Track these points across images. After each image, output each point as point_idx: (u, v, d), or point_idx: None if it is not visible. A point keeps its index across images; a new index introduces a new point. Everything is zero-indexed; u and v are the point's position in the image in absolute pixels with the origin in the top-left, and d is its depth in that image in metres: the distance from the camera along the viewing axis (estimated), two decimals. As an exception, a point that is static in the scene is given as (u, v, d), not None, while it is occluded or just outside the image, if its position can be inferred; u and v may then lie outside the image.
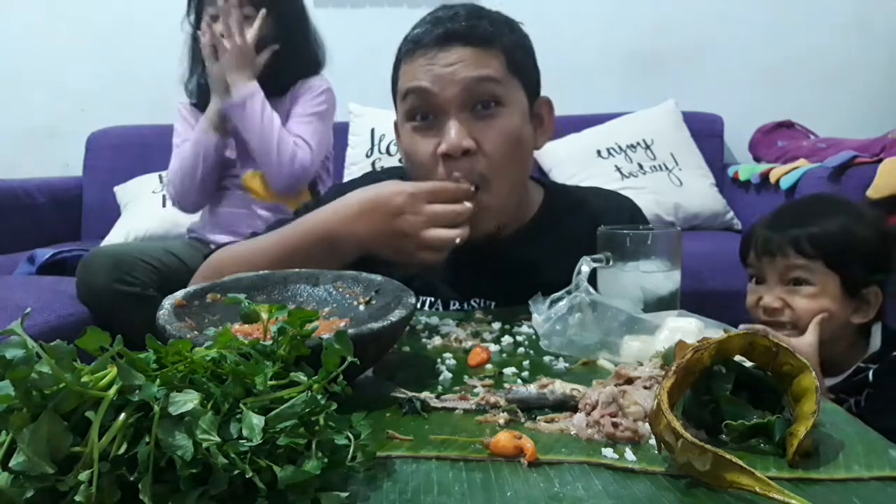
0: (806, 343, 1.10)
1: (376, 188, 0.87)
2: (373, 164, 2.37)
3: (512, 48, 0.92)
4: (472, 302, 1.00)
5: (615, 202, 1.10)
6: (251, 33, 1.61)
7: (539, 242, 1.01)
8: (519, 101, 0.93)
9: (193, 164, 1.67)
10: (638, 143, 2.39)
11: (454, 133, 0.88)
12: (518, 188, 0.98)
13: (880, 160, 1.76)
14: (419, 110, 0.91)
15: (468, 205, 0.85)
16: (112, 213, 2.32)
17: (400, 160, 2.03)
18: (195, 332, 0.61)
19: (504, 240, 1.00)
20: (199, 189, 1.70)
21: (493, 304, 1.00)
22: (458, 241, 0.83)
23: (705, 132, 2.49)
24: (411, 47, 0.92)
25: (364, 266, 0.82)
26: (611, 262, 0.84)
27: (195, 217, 1.82)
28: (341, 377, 0.48)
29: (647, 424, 0.50)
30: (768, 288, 1.19)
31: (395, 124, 1.01)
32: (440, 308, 1.00)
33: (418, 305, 0.99)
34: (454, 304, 1.01)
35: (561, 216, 1.04)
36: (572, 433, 0.52)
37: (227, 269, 0.83)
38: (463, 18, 0.90)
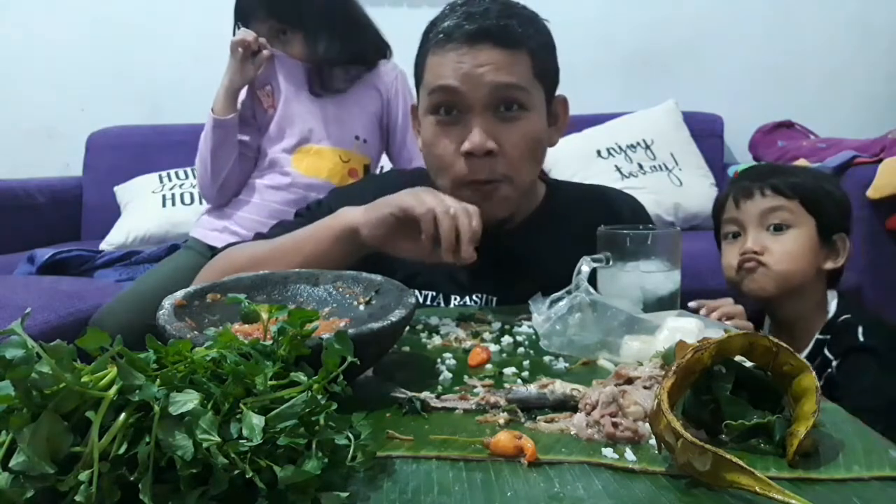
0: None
1: None
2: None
3: (538, 50, 0.94)
4: (475, 297, 1.01)
5: (618, 200, 1.12)
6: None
7: (540, 238, 1.02)
8: (540, 103, 0.96)
9: (203, 144, 1.67)
10: (638, 143, 2.39)
11: (478, 134, 0.90)
12: (533, 183, 1.01)
13: (880, 160, 1.76)
14: (444, 106, 0.93)
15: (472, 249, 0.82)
16: (112, 213, 2.32)
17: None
18: (195, 332, 0.61)
19: (506, 234, 1.00)
20: (211, 174, 1.67)
21: (494, 299, 1.00)
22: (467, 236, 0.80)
23: (705, 132, 2.49)
24: (441, 40, 0.92)
25: (366, 266, 0.82)
26: (611, 262, 0.84)
27: (203, 217, 1.80)
28: (341, 377, 0.48)
29: (647, 424, 0.50)
30: (747, 237, 1.22)
31: (413, 108, 1.03)
32: (441, 303, 1.00)
33: (419, 299, 0.99)
34: (455, 299, 1.01)
35: (563, 212, 1.05)
36: (572, 433, 0.52)
37: (242, 270, 0.81)
38: (494, 15, 0.91)
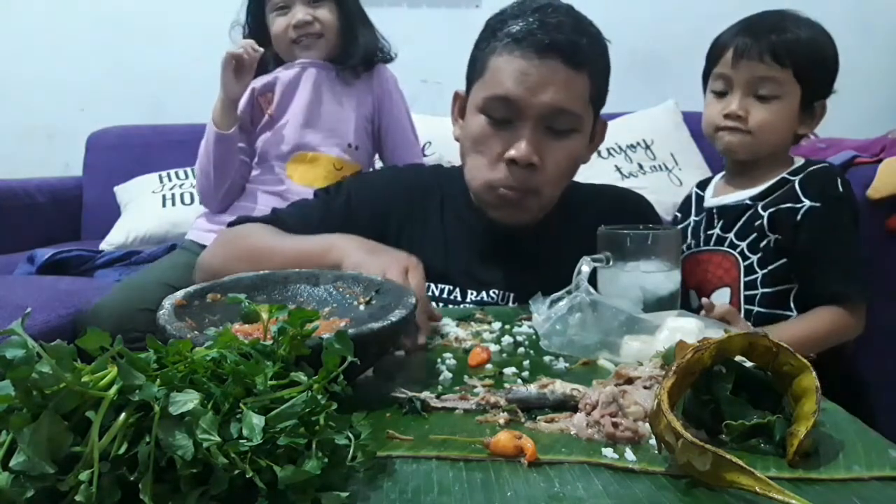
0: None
1: None
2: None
3: (599, 74, 0.96)
4: (492, 293, 1.01)
5: (629, 199, 1.14)
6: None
7: (556, 236, 1.03)
8: (588, 126, 0.99)
9: (204, 156, 1.66)
10: (638, 143, 2.39)
11: (525, 146, 0.92)
12: (557, 196, 1.03)
13: (880, 160, 1.76)
14: (499, 110, 0.94)
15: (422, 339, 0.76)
16: (112, 213, 2.31)
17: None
18: (195, 332, 0.61)
19: (523, 232, 1.02)
20: (214, 186, 1.67)
21: (511, 295, 1.01)
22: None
23: (705, 132, 2.49)
24: (509, 44, 0.92)
25: None
26: (611, 262, 0.84)
27: (198, 220, 1.80)
28: (341, 377, 0.48)
29: (647, 424, 0.50)
30: (733, 98, 1.22)
31: (457, 95, 1.05)
32: (458, 296, 1.01)
33: (436, 293, 1.00)
34: (472, 294, 1.01)
35: (578, 211, 1.06)
36: (572, 433, 0.52)
37: (245, 253, 0.91)
38: (568, 30, 0.91)
